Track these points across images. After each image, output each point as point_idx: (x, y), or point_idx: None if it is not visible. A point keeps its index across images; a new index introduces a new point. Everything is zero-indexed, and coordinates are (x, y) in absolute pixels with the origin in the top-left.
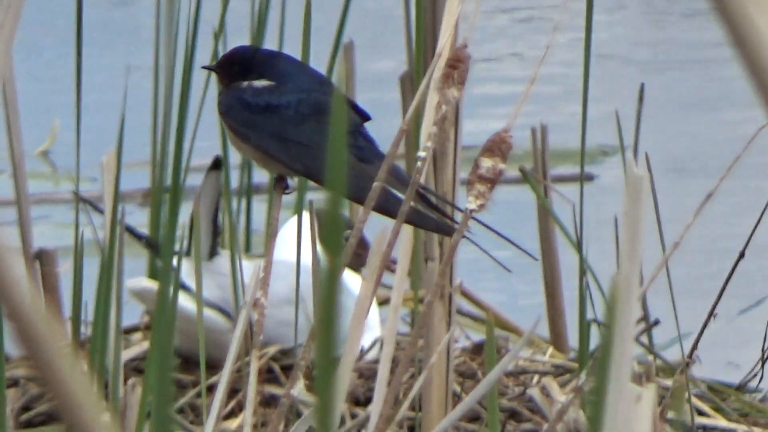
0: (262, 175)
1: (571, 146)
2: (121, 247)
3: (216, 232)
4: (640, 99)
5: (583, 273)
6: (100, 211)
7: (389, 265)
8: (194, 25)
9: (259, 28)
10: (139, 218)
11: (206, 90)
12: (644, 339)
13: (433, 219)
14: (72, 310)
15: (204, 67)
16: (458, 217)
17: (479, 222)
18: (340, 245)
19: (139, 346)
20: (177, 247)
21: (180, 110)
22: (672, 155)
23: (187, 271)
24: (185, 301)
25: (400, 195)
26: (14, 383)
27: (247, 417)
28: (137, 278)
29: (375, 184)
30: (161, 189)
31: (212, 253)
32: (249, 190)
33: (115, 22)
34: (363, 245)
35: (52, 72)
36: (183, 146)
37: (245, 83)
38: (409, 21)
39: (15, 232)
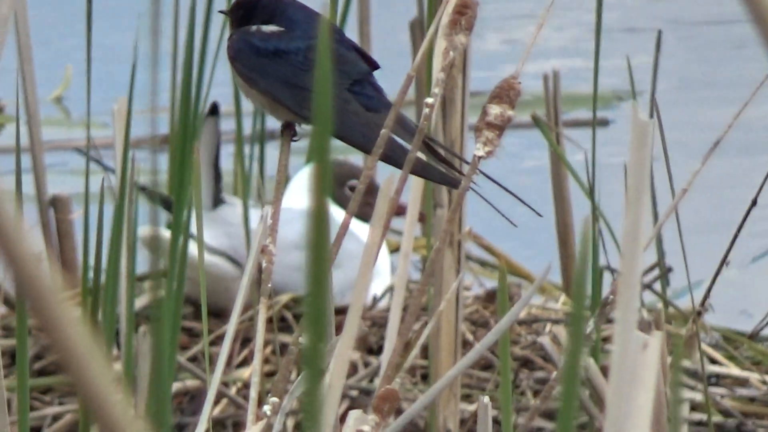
0: (276, 121)
1: (588, 90)
2: (131, 195)
3: (218, 179)
4: (657, 46)
5: (595, 219)
6: (110, 169)
7: (401, 210)
8: None
9: None
10: (150, 165)
11: (222, 36)
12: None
13: (438, 170)
14: (83, 258)
15: (221, 12)
16: (466, 166)
17: (485, 175)
18: (327, 186)
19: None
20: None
21: (187, 56)
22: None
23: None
24: (193, 249)
25: (407, 144)
26: (28, 332)
27: (255, 365)
28: (147, 226)
29: (381, 132)
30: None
31: (216, 201)
32: (263, 137)
33: None
34: (373, 194)
35: (65, 15)
36: (191, 92)
37: (254, 27)
38: None
39: (29, 179)
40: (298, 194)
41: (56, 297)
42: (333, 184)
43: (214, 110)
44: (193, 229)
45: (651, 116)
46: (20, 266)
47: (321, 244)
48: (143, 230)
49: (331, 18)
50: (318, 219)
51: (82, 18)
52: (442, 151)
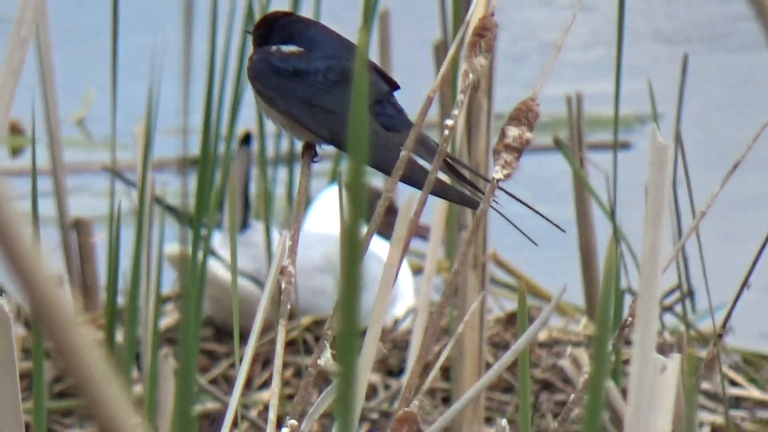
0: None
1: (610, 113)
2: (151, 216)
3: (246, 204)
4: (684, 69)
5: (617, 242)
6: (131, 183)
7: (423, 232)
8: None
9: None
10: (177, 186)
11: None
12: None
13: (458, 191)
14: (107, 279)
15: (247, 31)
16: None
17: (507, 193)
18: (362, 212)
19: (173, 315)
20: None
21: (209, 76)
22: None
23: (220, 243)
24: (219, 270)
25: (428, 164)
26: (47, 354)
27: (274, 387)
28: (174, 245)
29: (401, 153)
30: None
31: (244, 225)
32: (291, 158)
33: None
34: (394, 214)
35: (86, 38)
36: (210, 115)
37: (274, 47)
38: None
39: (51, 201)
40: (321, 217)
41: (72, 320)
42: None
43: (247, 140)
44: (218, 250)
45: (677, 141)
46: (36, 289)
47: (354, 266)
48: (170, 249)
49: (352, 39)
50: (351, 241)
51: (102, 37)
52: (464, 171)
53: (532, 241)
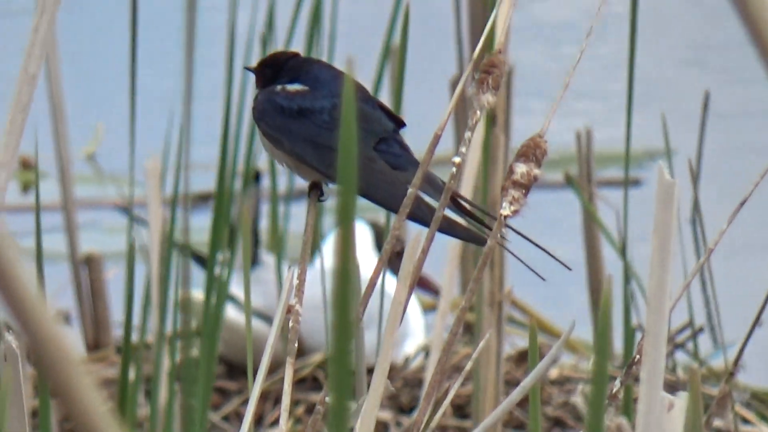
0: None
1: (620, 149)
2: (165, 254)
3: (256, 241)
4: (705, 106)
5: (627, 279)
6: (143, 221)
7: (430, 287)
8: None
9: (311, 36)
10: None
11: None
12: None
13: (464, 227)
14: (124, 318)
15: (246, 68)
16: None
17: (513, 230)
18: (352, 247)
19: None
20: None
21: (225, 114)
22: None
23: (231, 281)
24: (229, 310)
25: (435, 202)
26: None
27: (282, 425)
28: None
29: (408, 191)
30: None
31: (254, 262)
32: (301, 195)
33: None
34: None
35: (92, 70)
36: (227, 151)
37: (279, 87)
38: (459, 25)
39: (62, 237)
40: (332, 254)
41: (72, 361)
42: (379, 244)
43: (257, 177)
44: (231, 288)
45: (696, 179)
46: (36, 330)
47: (346, 302)
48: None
49: (366, 79)
50: (343, 277)
51: (108, 69)
52: (472, 209)
53: (540, 277)
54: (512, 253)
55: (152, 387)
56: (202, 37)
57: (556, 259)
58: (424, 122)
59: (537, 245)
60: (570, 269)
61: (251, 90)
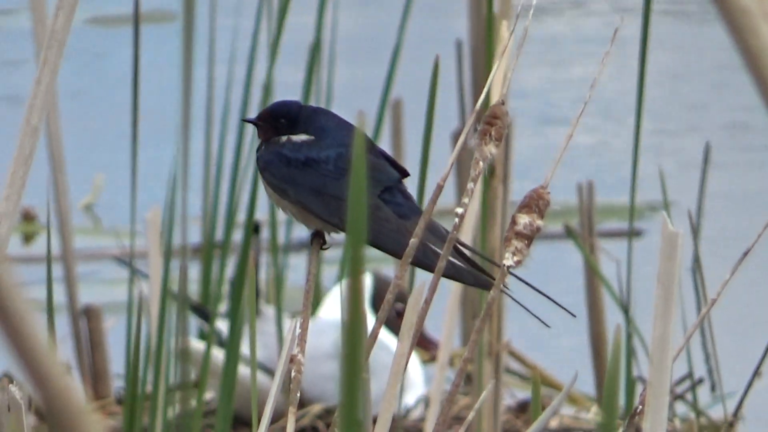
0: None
1: (621, 201)
2: (164, 307)
3: (257, 293)
4: (705, 159)
5: (629, 333)
6: (143, 273)
7: (430, 346)
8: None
9: (308, 87)
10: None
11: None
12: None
13: (471, 272)
14: (131, 369)
15: (245, 120)
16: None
17: (518, 278)
18: (361, 299)
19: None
20: (221, 309)
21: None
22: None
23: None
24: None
25: (439, 251)
26: None
27: None
28: (189, 340)
29: (411, 239)
30: (210, 245)
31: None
32: (300, 247)
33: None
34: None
35: (86, 123)
36: (232, 202)
37: (284, 138)
38: (461, 77)
39: (61, 288)
40: (336, 305)
41: (81, 411)
42: (376, 296)
43: (256, 229)
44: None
45: (696, 230)
46: (46, 379)
47: (356, 353)
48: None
49: (366, 128)
50: (353, 327)
51: (106, 125)
52: (476, 258)
53: (545, 324)
54: (516, 301)
55: None
56: (199, 92)
57: (561, 306)
58: (428, 174)
59: (540, 292)
60: (574, 315)
61: (248, 143)
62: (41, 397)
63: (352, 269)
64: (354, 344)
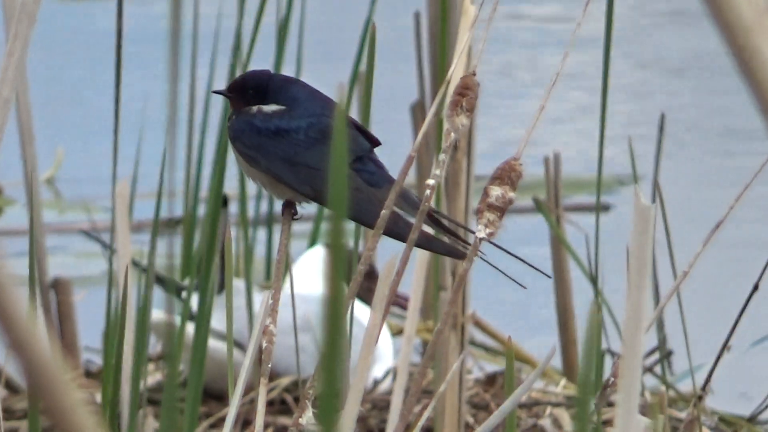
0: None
1: (589, 175)
2: (126, 280)
3: (224, 267)
4: (661, 129)
5: (599, 304)
6: (108, 246)
7: (401, 302)
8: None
9: (279, 54)
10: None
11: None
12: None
13: (444, 242)
14: (105, 341)
15: (215, 92)
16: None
17: (492, 243)
18: (343, 268)
19: (153, 376)
20: (188, 281)
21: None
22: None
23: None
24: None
25: (412, 219)
26: (25, 415)
27: None
28: (159, 312)
29: (384, 209)
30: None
31: (222, 287)
32: (270, 219)
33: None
34: (375, 279)
35: (50, 95)
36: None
37: (255, 108)
38: (420, 49)
39: (28, 261)
40: (302, 277)
41: (62, 381)
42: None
43: (224, 202)
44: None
45: (653, 201)
46: (26, 350)
47: (337, 326)
48: (155, 316)
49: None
50: (334, 300)
51: (68, 96)
52: (447, 223)
53: (521, 285)
54: (493, 265)
55: (122, 409)
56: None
57: (535, 268)
58: (386, 145)
59: (517, 257)
60: (549, 276)
61: (216, 115)
62: (23, 369)
63: (332, 241)
64: (335, 317)
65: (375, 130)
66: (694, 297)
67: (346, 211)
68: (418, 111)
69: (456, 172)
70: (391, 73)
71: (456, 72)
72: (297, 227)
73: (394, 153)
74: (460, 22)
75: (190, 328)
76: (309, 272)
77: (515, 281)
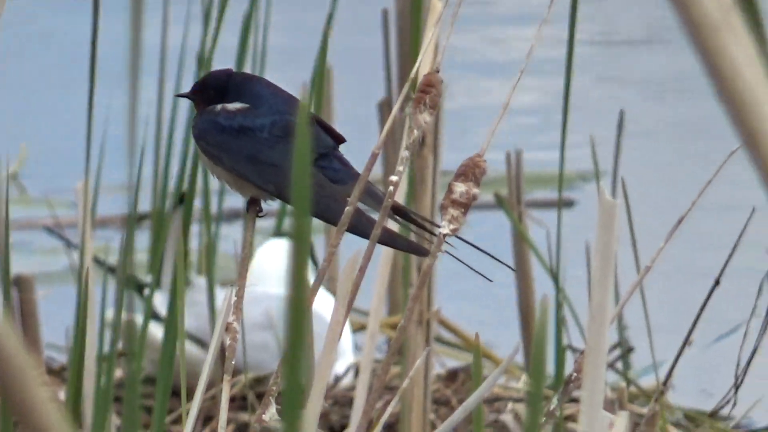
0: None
1: (551, 171)
2: (87, 276)
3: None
4: (620, 125)
5: (559, 301)
6: (71, 243)
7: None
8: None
9: (241, 55)
10: (119, 243)
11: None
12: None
13: (407, 239)
14: (74, 337)
15: (177, 95)
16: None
17: (458, 237)
18: (306, 264)
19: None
20: (148, 278)
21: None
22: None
23: (160, 303)
24: (158, 333)
25: (376, 214)
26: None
27: None
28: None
29: (348, 206)
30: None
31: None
32: (231, 216)
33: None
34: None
35: (12, 90)
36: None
37: (219, 106)
38: (387, 47)
39: None
40: (261, 273)
41: (29, 377)
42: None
43: (181, 200)
44: (160, 310)
45: (615, 197)
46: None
47: (300, 322)
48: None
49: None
50: (297, 296)
51: (29, 92)
52: (413, 217)
53: (486, 278)
54: (458, 258)
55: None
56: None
57: (499, 261)
58: (350, 142)
59: (481, 250)
60: (514, 270)
61: (182, 113)
62: None
63: (296, 239)
64: (298, 314)
65: (344, 127)
66: (656, 292)
67: (310, 208)
68: (385, 108)
69: (422, 169)
70: (362, 69)
71: (422, 68)
72: (261, 222)
73: (363, 150)
74: (427, 19)
75: (152, 326)
76: (265, 268)
77: (482, 274)
